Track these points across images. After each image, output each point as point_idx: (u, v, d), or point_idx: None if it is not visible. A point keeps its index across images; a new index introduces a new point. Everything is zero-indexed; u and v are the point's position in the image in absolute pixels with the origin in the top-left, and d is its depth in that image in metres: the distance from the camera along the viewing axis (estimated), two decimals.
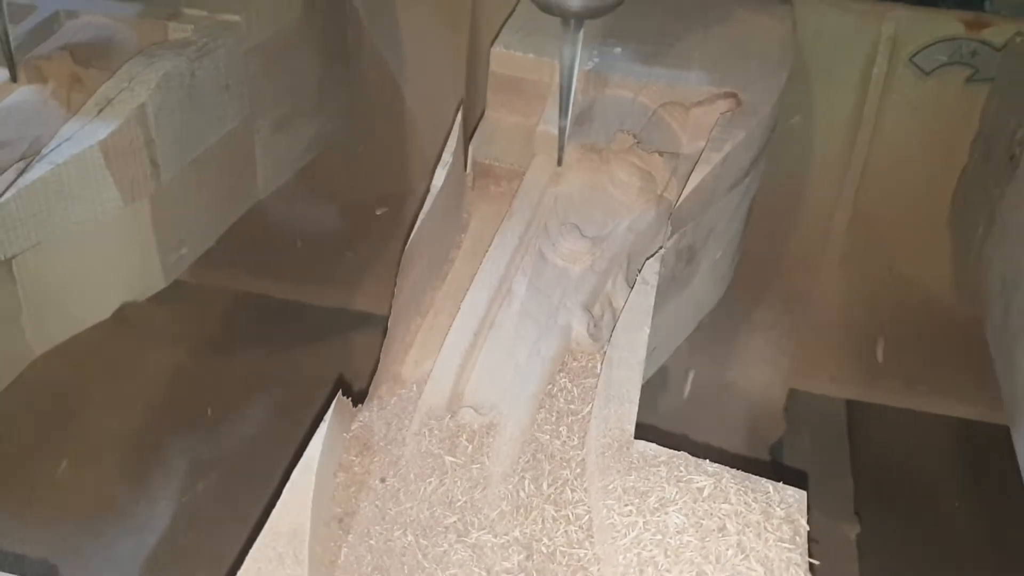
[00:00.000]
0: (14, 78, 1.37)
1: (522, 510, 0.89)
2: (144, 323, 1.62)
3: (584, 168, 1.27)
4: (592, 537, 0.86)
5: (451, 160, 1.23)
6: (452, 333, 1.05)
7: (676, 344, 1.42)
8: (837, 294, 1.94)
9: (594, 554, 0.85)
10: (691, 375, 1.75)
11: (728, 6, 1.59)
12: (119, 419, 1.64)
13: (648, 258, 1.16)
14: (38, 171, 1.20)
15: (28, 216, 1.19)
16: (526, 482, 0.91)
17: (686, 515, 0.84)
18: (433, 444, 0.95)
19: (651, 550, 0.82)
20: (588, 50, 1.38)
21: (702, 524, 0.83)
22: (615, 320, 1.10)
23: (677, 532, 0.83)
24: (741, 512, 0.84)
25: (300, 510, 0.84)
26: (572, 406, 1.00)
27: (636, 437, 0.93)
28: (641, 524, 0.84)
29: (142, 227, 1.35)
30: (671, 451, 0.91)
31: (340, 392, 0.97)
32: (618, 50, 1.43)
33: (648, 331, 1.05)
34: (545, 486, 0.91)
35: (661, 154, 1.27)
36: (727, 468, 0.90)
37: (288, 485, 0.86)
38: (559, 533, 0.87)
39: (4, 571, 0.80)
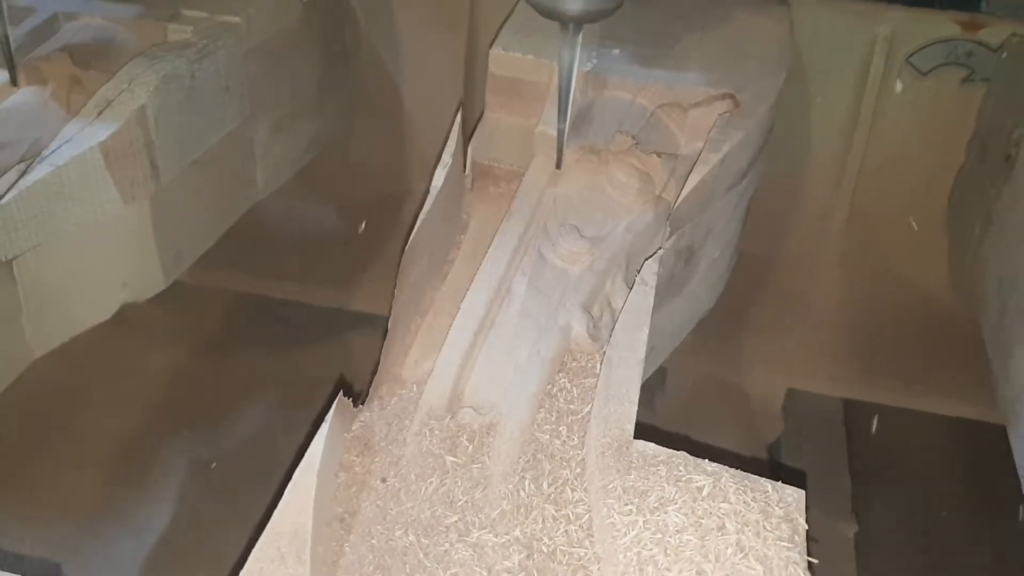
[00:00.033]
0: (14, 80, 1.37)
1: (522, 509, 0.89)
2: (144, 324, 1.62)
3: (583, 169, 1.27)
4: (592, 536, 0.87)
5: (450, 161, 1.23)
6: (452, 333, 1.06)
7: (675, 344, 1.43)
8: (834, 294, 1.95)
9: (594, 553, 0.86)
10: (689, 375, 1.76)
11: (726, 7, 1.60)
12: (119, 419, 1.65)
13: (647, 258, 1.17)
14: (39, 173, 1.21)
15: (29, 217, 1.20)
16: (526, 482, 0.92)
17: (686, 514, 0.85)
18: (434, 444, 0.95)
19: (651, 549, 0.82)
20: (586, 52, 1.38)
21: (701, 523, 0.84)
22: (614, 320, 1.11)
23: (677, 531, 0.83)
24: (740, 511, 0.85)
25: (302, 510, 0.85)
26: (572, 406, 1.01)
27: (635, 437, 0.94)
28: (641, 523, 0.84)
29: (142, 228, 1.36)
30: (670, 451, 0.92)
31: (341, 392, 0.98)
32: (616, 51, 1.44)
33: (647, 331, 1.06)
34: (545, 486, 0.91)
35: (659, 155, 1.27)
36: (726, 467, 0.90)
37: (290, 485, 0.87)
38: (559, 532, 0.87)
39: (7, 571, 0.81)
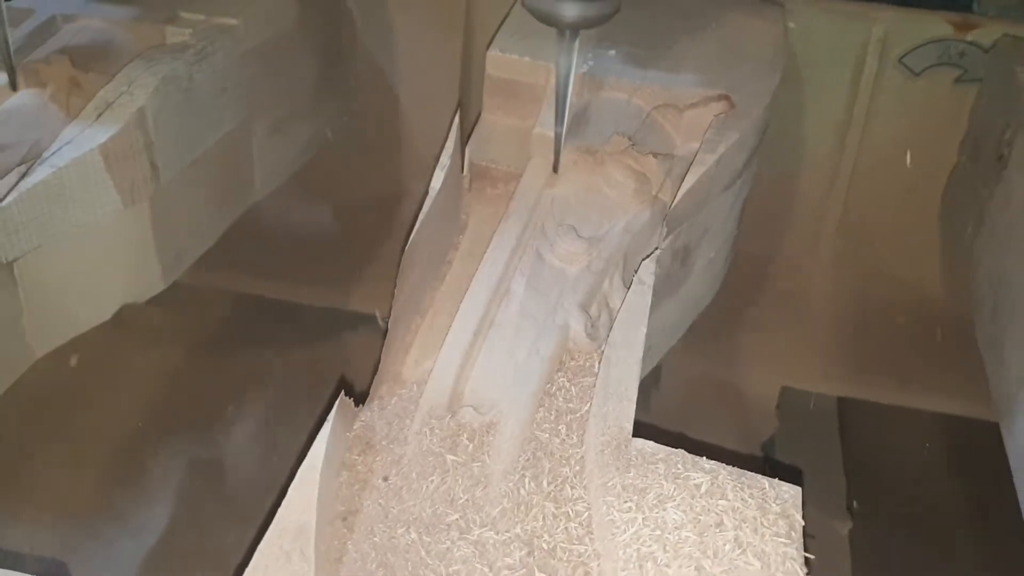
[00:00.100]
0: (13, 82, 1.38)
1: (523, 507, 0.90)
2: (144, 325, 1.63)
3: (580, 170, 1.28)
4: (592, 533, 0.88)
5: (449, 162, 1.24)
6: (452, 333, 1.07)
7: (671, 343, 1.44)
8: (828, 293, 1.96)
9: (594, 550, 0.87)
10: (685, 374, 1.77)
11: (721, 9, 1.61)
12: (119, 420, 1.65)
13: (644, 258, 1.18)
14: (39, 175, 1.21)
15: (29, 219, 1.20)
16: (526, 480, 0.93)
17: (684, 511, 0.86)
18: (434, 443, 0.96)
19: (650, 545, 0.83)
20: (583, 53, 1.39)
21: (700, 520, 0.85)
22: (612, 320, 1.12)
23: (675, 528, 0.84)
24: (738, 508, 0.86)
25: (306, 508, 0.86)
26: (571, 405, 1.02)
27: (634, 435, 0.95)
28: (640, 520, 0.85)
29: (141, 229, 1.37)
30: (669, 448, 0.93)
31: (343, 392, 0.99)
32: (612, 53, 1.45)
33: (645, 330, 1.07)
34: (545, 484, 0.92)
35: (656, 156, 1.28)
36: (724, 465, 0.91)
37: (293, 484, 0.87)
38: (559, 529, 0.88)
39: (12, 570, 0.81)
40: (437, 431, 0.97)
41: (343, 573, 0.85)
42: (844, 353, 1.94)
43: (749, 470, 0.91)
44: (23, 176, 1.21)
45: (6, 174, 1.22)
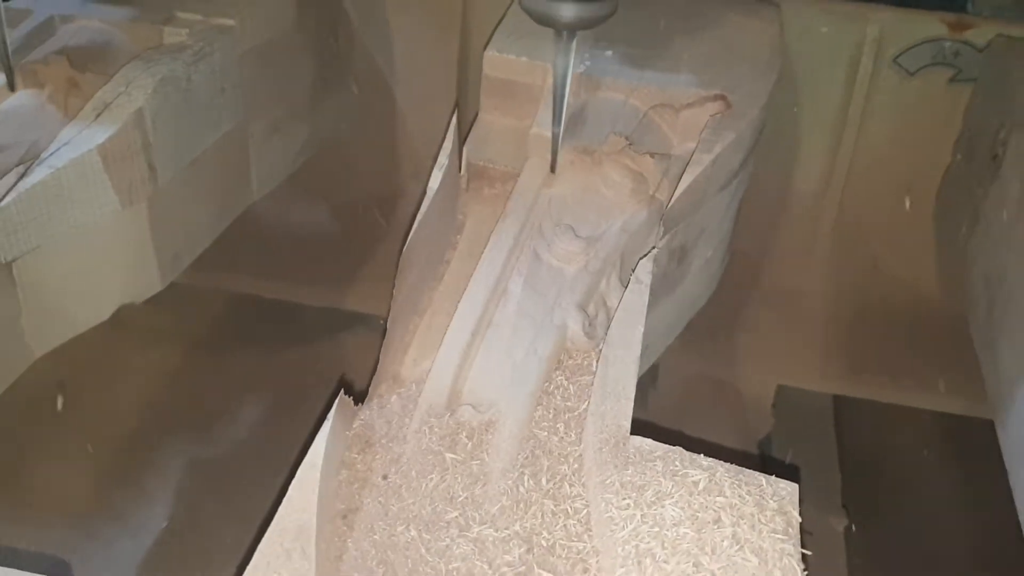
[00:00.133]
0: (11, 83, 1.38)
1: (522, 505, 0.91)
2: (142, 325, 1.63)
3: (577, 170, 1.29)
4: (591, 530, 0.88)
5: (447, 162, 1.24)
6: (450, 332, 1.07)
7: (668, 342, 1.45)
8: (824, 292, 1.97)
9: (593, 547, 0.87)
10: (681, 373, 1.78)
11: (717, 10, 1.61)
12: (118, 420, 1.65)
13: (641, 257, 1.19)
14: (38, 175, 1.21)
15: (28, 220, 1.21)
16: (525, 478, 0.93)
17: (682, 508, 0.86)
18: (433, 441, 0.97)
19: (648, 542, 0.84)
20: (580, 53, 1.39)
21: (698, 516, 0.86)
22: (609, 319, 1.12)
23: (674, 524, 0.85)
24: (735, 505, 0.87)
25: (306, 506, 0.86)
26: (569, 403, 1.02)
27: (632, 433, 0.95)
28: (638, 517, 0.86)
29: (139, 230, 1.37)
30: (666, 446, 0.94)
31: (342, 391, 0.99)
32: (609, 53, 1.45)
33: (642, 329, 1.07)
34: (544, 481, 0.93)
35: (652, 155, 1.29)
36: (721, 462, 0.92)
37: (293, 482, 0.88)
38: (558, 527, 0.89)
39: (14, 568, 0.82)
40: (436, 429, 0.98)
41: (344, 571, 0.86)
42: (840, 351, 1.95)
43: (746, 468, 0.92)
44: (21, 177, 1.21)
45: (4, 175, 1.22)
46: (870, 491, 1.71)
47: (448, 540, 0.87)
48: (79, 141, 1.26)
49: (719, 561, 0.82)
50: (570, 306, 1.12)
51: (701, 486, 0.88)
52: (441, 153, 1.25)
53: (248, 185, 1.66)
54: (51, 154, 1.24)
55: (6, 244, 1.19)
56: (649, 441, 0.94)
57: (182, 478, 1.58)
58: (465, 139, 1.37)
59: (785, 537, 0.84)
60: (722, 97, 1.37)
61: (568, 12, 1.09)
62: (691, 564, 0.82)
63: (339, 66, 1.93)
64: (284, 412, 1.67)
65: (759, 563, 0.82)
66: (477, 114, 1.42)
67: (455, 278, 1.19)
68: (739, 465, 0.92)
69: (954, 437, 1.81)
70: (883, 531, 1.63)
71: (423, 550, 0.87)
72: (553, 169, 1.27)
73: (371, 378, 1.07)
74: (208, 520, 1.50)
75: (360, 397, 1.05)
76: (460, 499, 0.91)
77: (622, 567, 0.83)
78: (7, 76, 1.37)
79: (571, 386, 1.04)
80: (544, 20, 1.11)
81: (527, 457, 0.96)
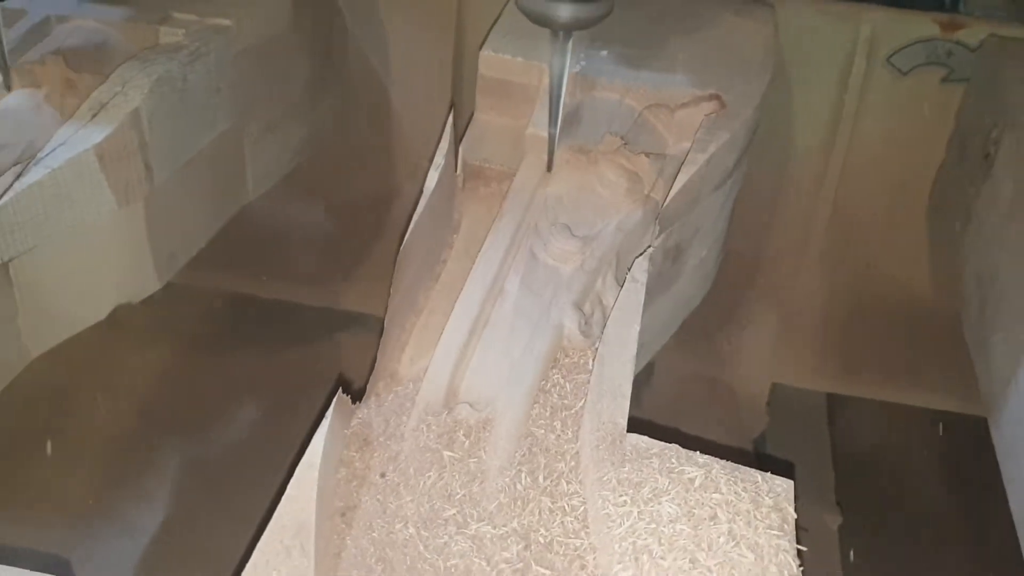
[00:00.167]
0: (7, 83, 1.38)
1: (519, 502, 0.91)
2: (138, 325, 1.63)
3: (573, 169, 1.29)
4: (588, 527, 0.89)
5: (443, 162, 1.25)
6: (447, 331, 1.08)
7: (663, 341, 1.45)
8: (818, 290, 1.98)
9: (590, 543, 0.88)
10: (676, 371, 1.78)
11: (711, 10, 1.62)
12: (115, 420, 1.66)
13: (637, 256, 1.19)
14: (35, 175, 1.21)
15: (25, 220, 1.21)
16: (523, 475, 0.94)
17: (678, 504, 0.87)
18: (431, 439, 0.97)
19: (645, 538, 0.84)
20: (575, 53, 1.40)
21: (694, 513, 0.86)
22: (605, 317, 1.13)
23: (670, 521, 0.86)
24: (731, 501, 0.87)
25: (305, 504, 0.86)
26: (565, 401, 1.03)
27: (628, 431, 0.96)
28: (635, 514, 0.86)
29: (136, 229, 1.37)
30: (663, 444, 0.94)
31: (340, 389, 0.99)
32: (604, 53, 1.46)
33: (638, 327, 1.08)
34: (541, 479, 0.94)
35: (648, 155, 1.29)
36: (717, 459, 0.92)
37: (292, 480, 0.88)
38: (556, 524, 0.89)
39: (15, 566, 0.82)
40: (434, 428, 0.98)
41: (343, 568, 0.86)
42: (834, 350, 1.96)
43: (741, 465, 0.92)
44: (18, 177, 1.21)
45: (1, 175, 1.22)
46: (864, 488, 1.72)
47: (446, 537, 0.88)
48: (76, 141, 1.26)
49: (715, 557, 0.83)
50: (566, 305, 1.13)
51: (697, 483, 0.89)
52: (437, 153, 1.26)
53: (244, 185, 1.66)
54: (48, 154, 1.25)
55: (3, 244, 1.19)
56: (645, 439, 0.95)
57: (180, 477, 1.58)
58: (461, 139, 1.37)
59: (781, 533, 0.85)
60: (717, 97, 1.38)
61: (565, 12, 1.09)
62: (688, 560, 0.83)
63: (334, 66, 1.93)
64: (281, 411, 1.67)
65: (755, 559, 0.83)
66: (473, 114, 1.42)
67: (452, 277, 1.20)
68: (735, 462, 0.93)
69: (947, 435, 1.82)
70: (877, 528, 1.64)
71: (421, 547, 0.87)
72: (550, 168, 1.28)
73: (368, 377, 1.08)
74: (206, 519, 1.51)
75: (358, 396, 1.05)
76: (458, 497, 0.92)
77: (619, 563, 0.83)
78: (3, 76, 1.37)
79: (568, 384, 1.05)
80: (541, 20, 1.12)
81: (524, 455, 0.96)
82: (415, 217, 1.17)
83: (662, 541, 0.84)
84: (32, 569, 0.81)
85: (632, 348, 1.05)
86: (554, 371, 1.07)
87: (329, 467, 0.93)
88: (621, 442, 0.94)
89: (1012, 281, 1.37)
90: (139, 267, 1.40)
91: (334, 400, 0.97)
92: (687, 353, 1.76)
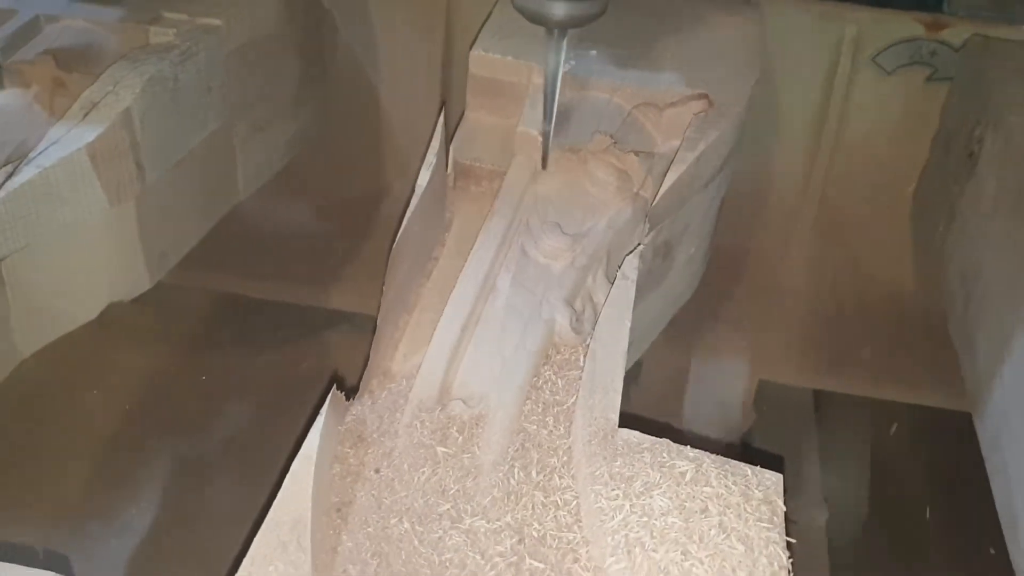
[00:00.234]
0: None
1: (513, 497, 0.92)
2: (130, 324, 1.63)
3: (563, 168, 1.30)
4: (580, 521, 0.90)
5: (435, 161, 1.26)
6: (440, 329, 1.08)
7: (652, 337, 1.47)
8: (804, 288, 2.00)
9: (583, 537, 0.89)
10: (665, 367, 1.80)
11: (699, 9, 1.63)
12: (107, 419, 1.65)
13: (627, 254, 1.20)
14: (26, 174, 1.22)
15: (17, 219, 1.21)
16: (516, 470, 0.95)
17: (670, 498, 0.88)
18: (425, 435, 0.98)
19: (637, 531, 0.86)
20: (565, 53, 1.41)
21: (685, 506, 0.88)
22: (596, 314, 1.14)
23: (662, 514, 0.87)
24: (722, 494, 0.89)
25: (301, 500, 0.87)
26: (557, 397, 1.04)
27: (619, 426, 0.97)
28: (627, 507, 0.88)
29: (127, 229, 1.37)
30: (654, 438, 0.96)
31: (335, 387, 1.00)
32: (594, 53, 1.47)
33: (629, 324, 1.09)
34: (534, 473, 0.95)
35: (637, 154, 1.31)
36: (707, 453, 0.94)
37: (288, 476, 0.89)
38: (549, 518, 0.91)
39: (14, 563, 0.82)
40: (427, 424, 0.99)
41: (339, 562, 0.87)
42: (820, 347, 1.97)
43: (731, 459, 0.94)
44: (9, 176, 1.22)
45: None
46: (851, 484, 1.73)
47: (441, 532, 0.89)
48: (67, 140, 1.27)
49: (706, 549, 0.84)
50: (558, 302, 1.14)
51: (688, 477, 0.90)
52: (429, 152, 1.27)
53: (234, 184, 1.66)
54: (39, 153, 1.25)
55: None
56: (637, 433, 0.96)
57: (173, 476, 1.58)
58: (452, 138, 1.38)
59: (770, 525, 0.87)
60: (705, 96, 1.39)
61: (560, 10, 1.10)
62: (679, 552, 0.84)
63: (325, 65, 1.94)
64: (274, 409, 1.67)
65: (745, 551, 0.84)
66: (463, 113, 1.43)
67: (444, 275, 1.21)
68: (724, 456, 0.94)
69: (933, 430, 1.83)
70: (863, 522, 1.66)
71: (416, 542, 0.88)
72: (544, 166, 1.29)
73: (361, 374, 1.09)
74: (201, 516, 1.51)
75: (351, 393, 1.06)
76: (452, 492, 0.93)
77: (612, 556, 0.84)
78: None
79: (559, 380, 1.06)
80: (536, 18, 1.12)
81: (517, 450, 0.97)
82: (407, 216, 1.18)
83: (654, 534, 0.86)
84: (31, 567, 0.81)
85: (623, 344, 1.07)
86: (546, 367, 1.08)
87: (324, 463, 0.94)
88: (613, 437, 0.95)
89: (996, 278, 1.39)
90: (131, 266, 1.40)
91: (328, 397, 0.98)
92: (675, 349, 1.77)
